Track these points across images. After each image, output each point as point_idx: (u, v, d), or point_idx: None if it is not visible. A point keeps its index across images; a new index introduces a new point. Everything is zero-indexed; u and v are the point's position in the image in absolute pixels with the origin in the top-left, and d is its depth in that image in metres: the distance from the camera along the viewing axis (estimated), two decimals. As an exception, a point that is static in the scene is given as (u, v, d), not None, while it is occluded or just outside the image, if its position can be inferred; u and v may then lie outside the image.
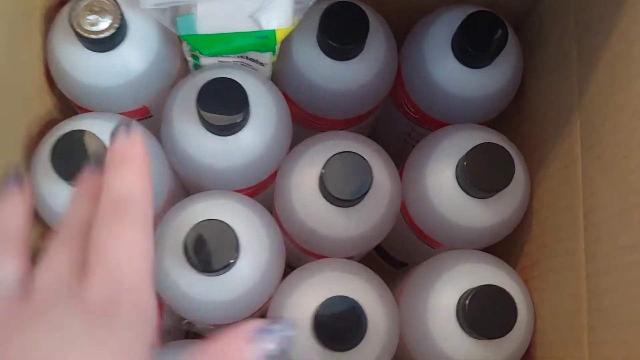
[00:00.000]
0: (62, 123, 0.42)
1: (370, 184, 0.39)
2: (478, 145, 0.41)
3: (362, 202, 0.40)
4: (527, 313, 0.41)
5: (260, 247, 0.41)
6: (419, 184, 0.45)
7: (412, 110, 0.49)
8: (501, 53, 0.43)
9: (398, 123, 0.53)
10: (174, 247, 0.39)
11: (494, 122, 0.49)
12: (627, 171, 0.33)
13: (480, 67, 0.44)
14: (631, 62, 0.34)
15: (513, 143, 0.45)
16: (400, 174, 0.47)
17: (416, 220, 0.46)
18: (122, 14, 0.39)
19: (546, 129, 0.44)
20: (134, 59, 0.41)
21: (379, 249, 0.55)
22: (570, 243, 0.39)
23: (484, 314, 0.38)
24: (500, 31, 0.43)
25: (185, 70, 0.46)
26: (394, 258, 0.57)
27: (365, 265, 0.44)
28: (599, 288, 0.34)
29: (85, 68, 0.41)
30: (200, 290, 0.40)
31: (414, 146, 0.48)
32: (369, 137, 0.57)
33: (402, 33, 0.48)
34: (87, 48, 0.40)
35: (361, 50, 0.43)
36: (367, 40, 0.42)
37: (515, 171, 0.40)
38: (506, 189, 0.41)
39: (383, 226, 0.43)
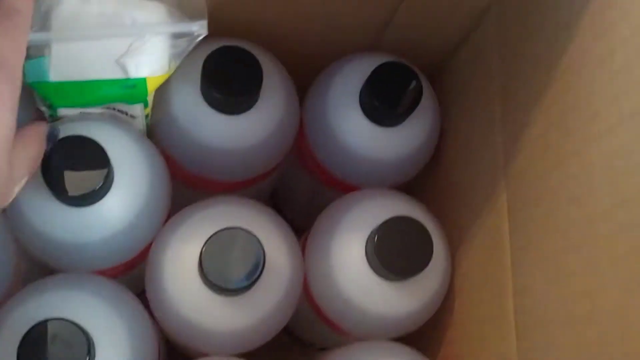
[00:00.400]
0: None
1: (262, 268, 0.33)
2: (391, 218, 0.36)
3: (252, 289, 0.33)
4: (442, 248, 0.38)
5: (121, 351, 0.33)
6: (322, 261, 0.39)
7: (317, 169, 0.44)
8: (415, 109, 0.38)
9: (302, 182, 0.47)
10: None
11: (410, 185, 0.44)
12: (563, 268, 0.28)
13: (391, 126, 0.39)
14: (566, 136, 0.29)
15: (432, 209, 0.40)
16: (304, 244, 0.41)
17: (319, 303, 0.40)
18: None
19: (469, 196, 0.40)
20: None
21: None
22: (499, 331, 0.34)
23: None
24: (414, 85, 0.38)
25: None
26: (300, 337, 0.50)
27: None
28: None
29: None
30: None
31: (320, 208, 0.42)
32: (271, 197, 0.53)
33: (305, 83, 0.43)
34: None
35: (254, 102, 0.37)
36: (261, 91, 0.36)
37: (434, 250, 0.35)
38: (424, 271, 0.35)
39: (280, 315, 0.37)
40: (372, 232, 0.36)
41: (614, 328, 0.25)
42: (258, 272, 0.33)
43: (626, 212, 0.24)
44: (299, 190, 0.49)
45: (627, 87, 0.25)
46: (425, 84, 0.40)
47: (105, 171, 0.33)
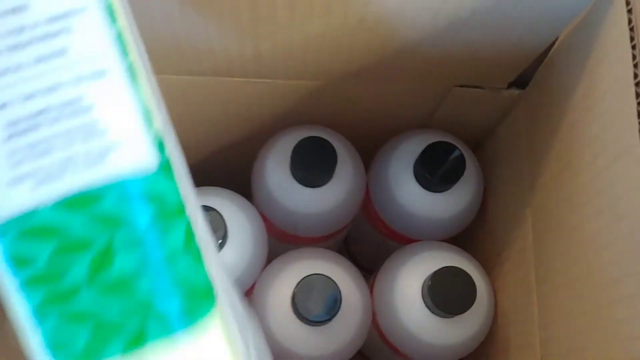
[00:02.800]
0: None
1: (339, 305, 0.42)
2: (441, 268, 0.44)
3: (332, 321, 0.43)
4: (486, 291, 0.44)
5: None
6: (388, 300, 0.47)
7: (381, 225, 0.52)
8: (460, 179, 0.46)
9: (369, 235, 0.56)
10: None
11: (460, 236, 0.52)
12: (581, 311, 0.35)
13: (440, 192, 0.47)
14: (582, 206, 0.36)
15: (477, 257, 0.48)
16: (372, 284, 0.49)
17: (385, 332, 0.48)
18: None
19: (505, 251, 0.47)
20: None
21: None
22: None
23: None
24: (457, 159, 0.46)
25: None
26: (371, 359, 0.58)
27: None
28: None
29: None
30: None
31: (384, 255, 0.51)
32: (345, 246, 0.61)
33: (370, 156, 0.52)
34: None
35: (330, 178, 0.46)
36: (336, 168, 0.46)
37: (477, 292, 0.43)
38: (470, 310, 0.43)
39: (354, 342, 0.45)
40: (427, 278, 0.44)
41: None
42: (336, 309, 0.41)
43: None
44: (367, 241, 0.57)
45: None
46: (469, 156, 0.48)
47: (222, 232, 0.43)
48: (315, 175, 0.45)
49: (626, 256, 0.29)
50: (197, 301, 0.19)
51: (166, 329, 0.18)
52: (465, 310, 0.43)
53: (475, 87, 0.46)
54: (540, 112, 0.43)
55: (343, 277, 0.45)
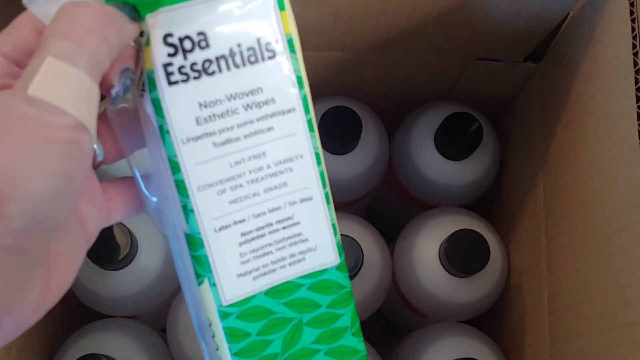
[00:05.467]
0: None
1: (361, 264, 0.45)
2: (458, 230, 0.46)
3: (355, 278, 0.46)
4: (499, 253, 0.47)
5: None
6: (407, 262, 0.50)
7: (402, 192, 0.55)
8: (478, 148, 0.49)
9: (391, 202, 0.59)
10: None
11: (477, 203, 0.54)
12: (585, 265, 0.38)
13: (459, 160, 0.50)
14: (587, 167, 0.39)
15: (492, 223, 0.51)
16: (393, 248, 0.52)
17: (405, 292, 0.51)
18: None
19: (518, 216, 0.50)
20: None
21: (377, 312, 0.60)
22: (537, 323, 0.45)
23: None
24: (476, 129, 0.49)
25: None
26: (392, 323, 0.62)
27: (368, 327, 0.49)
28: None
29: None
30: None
31: (403, 221, 0.54)
32: (367, 212, 0.64)
33: (394, 126, 0.55)
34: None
35: (356, 145, 0.49)
36: (361, 137, 0.48)
37: (491, 254, 0.46)
38: (484, 270, 0.46)
39: (374, 301, 0.49)
40: (444, 241, 0.47)
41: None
42: (358, 267, 0.44)
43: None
44: (388, 208, 0.60)
45: None
46: (487, 127, 0.50)
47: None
48: (341, 143, 0.48)
49: (622, 211, 0.32)
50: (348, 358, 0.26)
51: None
52: (479, 270, 0.46)
53: (493, 60, 0.48)
54: (553, 84, 0.46)
55: (365, 238, 0.48)
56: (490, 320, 0.52)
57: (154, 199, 0.24)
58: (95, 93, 0.20)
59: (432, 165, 0.51)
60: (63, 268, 0.21)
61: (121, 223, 0.44)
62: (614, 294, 0.33)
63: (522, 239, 0.49)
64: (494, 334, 0.50)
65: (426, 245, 0.49)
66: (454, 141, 0.49)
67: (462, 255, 0.46)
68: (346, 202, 0.54)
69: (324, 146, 0.49)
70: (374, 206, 0.62)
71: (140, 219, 0.47)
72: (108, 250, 0.43)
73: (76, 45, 0.19)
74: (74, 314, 0.49)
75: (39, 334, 0.46)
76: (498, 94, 0.53)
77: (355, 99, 0.51)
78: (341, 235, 0.45)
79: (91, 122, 0.19)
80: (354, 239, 0.45)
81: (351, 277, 0.45)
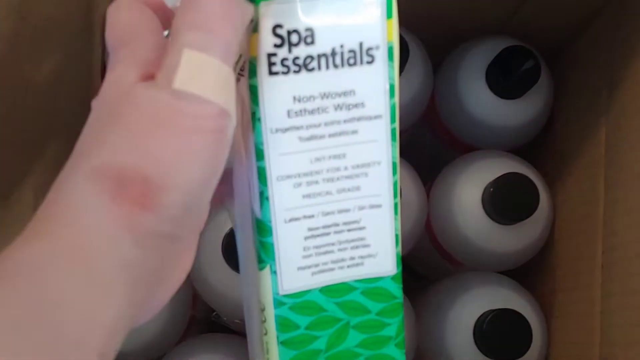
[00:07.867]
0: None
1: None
2: (505, 174, 0.43)
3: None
4: (547, 201, 0.44)
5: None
6: (445, 206, 0.47)
7: (443, 132, 0.51)
8: (533, 86, 0.45)
9: (428, 142, 0.55)
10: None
11: (522, 150, 0.51)
12: None
13: (511, 98, 0.46)
14: None
15: (539, 171, 0.47)
16: (428, 192, 0.49)
17: (440, 238, 0.48)
18: None
19: (571, 164, 0.46)
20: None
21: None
22: (588, 277, 0.41)
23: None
24: (532, 65, 0.45)
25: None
26: (415, 271, 0.59)
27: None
28: (612, 325, 0.36)
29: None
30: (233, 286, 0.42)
31: (441, 165, 0.50)
32: (401, 152, 0.61)
33: (439, 59, 0.50)
34: None
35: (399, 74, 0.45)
36: (406, 65, 0.44)
37: (540, 202, 0.42)
38: (530, 218, 0.43)
39: (406, 241, 0.45)
40: (488, 184, 0.44)
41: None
42: None
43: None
44: (425, 148, 0.55)
45: None
46: (543, 65, 0.46)
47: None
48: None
49: None
50: None
51: None
52: (526, 218, 0.42)
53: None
54: (622, 21, 0.41)
55: (401, 176, 0.44)
56: (528, 272, 0.48)
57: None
58: (232, 79, 0.21)
59: (481, 103, 0.47)
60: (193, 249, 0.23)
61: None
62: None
63: (574, 188, 0.45)
64: (530, 287, 0.47)
65: (468, 189, 0.45)
66: (509, 77, 0.45)
67: (508, 201, 0.43)
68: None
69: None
70: (410, 146, 0.58)
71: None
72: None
73: (210, 35, 0.20)
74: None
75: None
76: (558, 29, 0.48)
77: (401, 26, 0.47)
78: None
79: (232, 108, 0.20)
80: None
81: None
